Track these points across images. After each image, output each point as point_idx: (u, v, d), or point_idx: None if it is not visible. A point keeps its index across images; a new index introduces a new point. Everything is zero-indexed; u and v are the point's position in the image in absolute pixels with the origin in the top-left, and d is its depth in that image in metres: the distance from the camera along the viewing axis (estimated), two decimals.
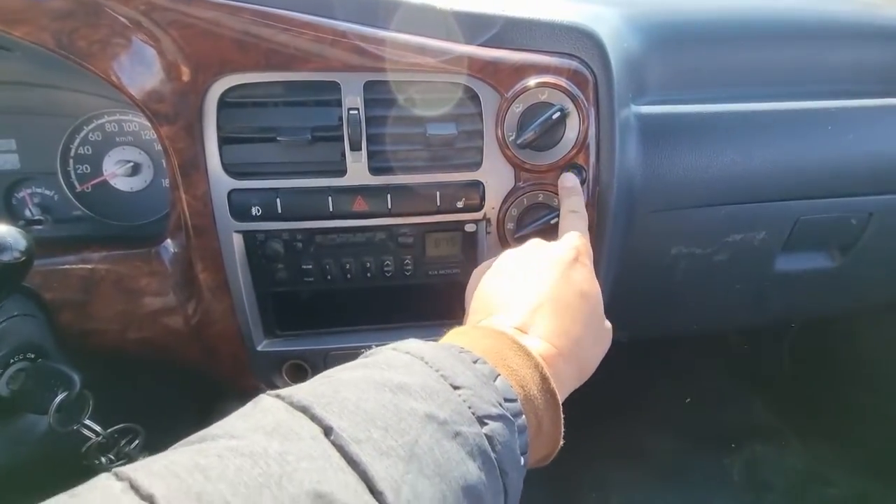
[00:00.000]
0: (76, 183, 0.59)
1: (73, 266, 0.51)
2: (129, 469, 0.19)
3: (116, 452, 0.49)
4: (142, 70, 0.45)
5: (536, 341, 0.34)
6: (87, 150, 0.58)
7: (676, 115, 0.60)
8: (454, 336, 0.33)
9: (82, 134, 0.58)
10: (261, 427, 0.22)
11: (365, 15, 0.47)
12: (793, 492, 0.98)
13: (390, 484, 0.20)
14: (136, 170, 0.59)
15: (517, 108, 0.50)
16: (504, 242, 0.55)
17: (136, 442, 0.50)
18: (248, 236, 0.52)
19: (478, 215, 0.54)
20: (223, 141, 0.49)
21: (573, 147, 0.51)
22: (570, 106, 0.50)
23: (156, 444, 0.52)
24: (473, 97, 0.50)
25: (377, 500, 0.20)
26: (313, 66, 0.47)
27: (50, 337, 0.50)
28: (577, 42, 0.50)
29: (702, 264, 0.66)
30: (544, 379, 0.31)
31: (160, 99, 0.46)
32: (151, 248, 0.52)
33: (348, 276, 0.55)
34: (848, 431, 1.03)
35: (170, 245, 0.52)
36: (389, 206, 0.51)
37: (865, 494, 0.96)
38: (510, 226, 0.54)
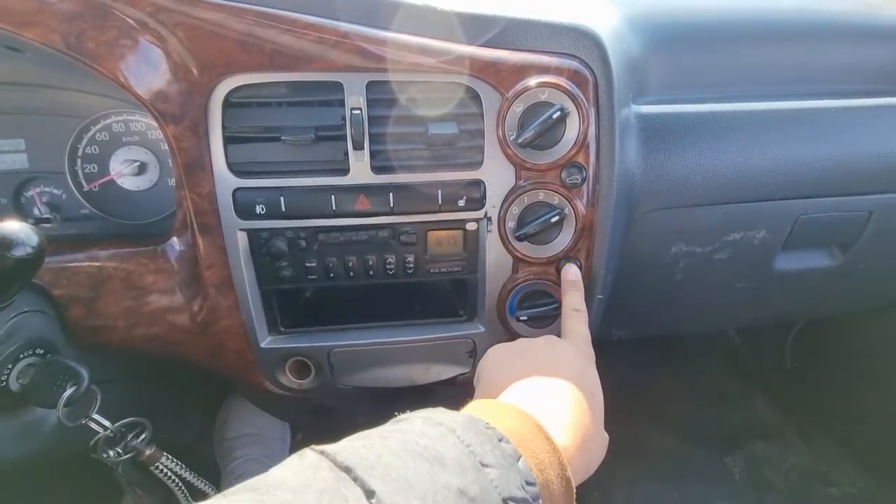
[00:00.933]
0: (84, 182, 0.60)
1: (82, 263, 0.52)
2: None
3: (124, 446, 0.50)
4: (148, 70, 0.46)
5: (556, 429, 0.35)
6: (95, 149, 0.59)
7: (676, 114, 0.61)
8: (479, 409, 0.34)
9: (90, 134, 0.58)
10: (312, 486, 0.23)
11: (367, 16, 0.48)
12: (795, 491, 0.98)
13: None
14: (142, 169, 0.60)
15: (518, 108, 0.51)
16: (505, 240, 0.55)
17: (143, 436, 0.51)
18: (253, 234, 0.53)
19: (479, 214, 0.54)
20: (228, 140, 0.50)
21: (573, 146, 0.52)
22: (570, 105, 0.50)
23: (162, 438, 0.54)
24: (475, 97, 0.51)
25: None
26: (317, 66, 0.48)
27: (59, 333, 0.51)
28: (577, 42, 0.51)
29: (702, 263, 0.67)
30: (562, 466, 0.32)
31: (166, 99, 0.47)
32: (158, 245, 0.53)
33: (351, 273, 0.56)
34: (850, 430, 1.03)
35: (176, 243, 0.53)
36: (392, 205, 0.52)
37: (867, 494, 0.96)
38: (511, 224, 0.55)
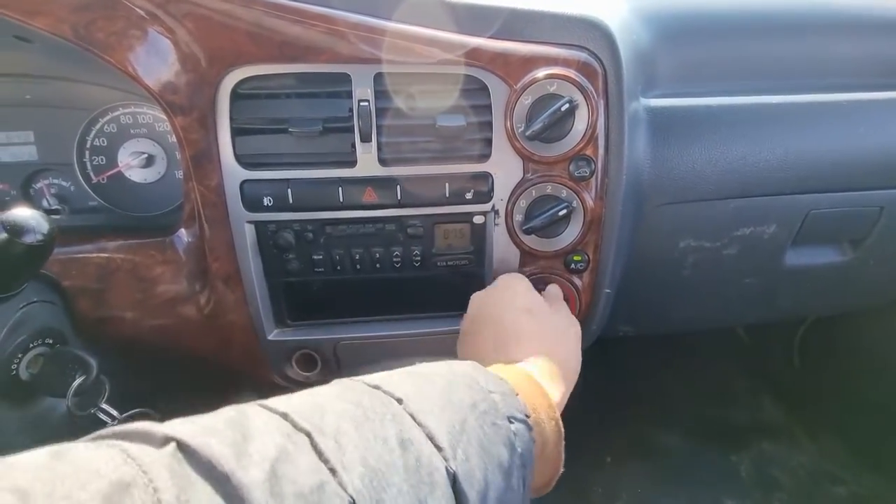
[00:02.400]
0: (92, 174, 0.60)
1: (90, 255, 0.52)
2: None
3: None
4: (157, 61, 0.46)
5: (545, 378, 0.40)
6: (103, 141, 0.59)
7: (686, 108, 0.60)
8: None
9: (98, 126, 0.59)
10: (349, 400, 0.28)
11: (375, 7, 0.48)
12: (802, 490, 0.97)
13: (449, 442, 0.26)
14: (150, 161, 0.60)
15: (526, 100, 0.50)
16: (512, 234, 0.55)
17: None
18: (260, 226, 0.53)
19: (486, 207, 0.54)
20: (236, 132, 0.50)
21: (582, 139, 0.51)
22: (578, 98, 0.50)
23: None
24: (482, 89, 0.51)
25: (440, 452, 0.26)
26: (325, 57, 0.48)
27: (67, 324, 0.51)
28: (586, 33, 0.50)
29: (711, 258, 0.66)
30: (551, 408, 0.37)
31: (175, 90, 0.47)
32: (166, 237, 0.53)
33: (358, 266, 0.56)
34: (858, 429, 1.02)
35: (184, 235, 0.53)
36: (399, 197, 0.52)
37: (875, 493, 0.95)
38: (519, 217, 0.54)
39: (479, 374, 0.34)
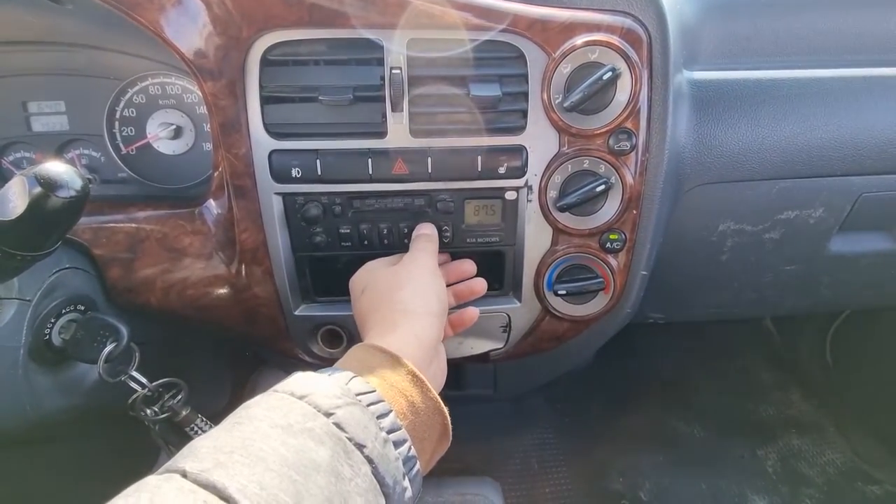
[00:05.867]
0: (121, 145, 0.60)
1: (120, 224, 0.52)
2: None
3: (161, 406, 0.50)
4: (188, 23, 0.44)
5: (395, 342, 0.40)
6: (132, 112, 0.59)
7: (732, 81, 0.57)
8: (356, 360, 0.38)
9: (127, 96, 0.58)
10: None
11: None
12: (832, 487, 0.94)
13: (238, 488, 0.25)
14: (178, 133, 0.59)
15: (565, 69, 0.48)
16: (546, 211, 0.53)
17: (180, 397, 0.51)
18: (288, 199, 0.52)
19: (519, 182, 0.52)
20: (265, 100, 0.48)
21: (623, 111, 0.49)
22: (622, 66, 0.47)
23: (195, 403, 0.54)
24: (519, 57, 0.49)
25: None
26: (356, 22, 0.46)
27: (99, 292, 0.52)
28: None
29: (751, 242, 0.63)
30: (402, 365, 0.36)
31: (204, 55, 0.46)
32: (195, 208, 0.53)
33: (385, 241, 0.55)
34: (894, 428, 0.98)
35: (212, 206, 0.53)
36: (430, 171, 0.50)
37: None
38: (553, 194, 0.52)
39: (305, 381, 0.33)
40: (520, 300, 0.58)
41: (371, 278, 0.48)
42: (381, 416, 0.32)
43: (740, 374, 1.15)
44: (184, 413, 0.51)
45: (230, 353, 0.72)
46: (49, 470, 0.63)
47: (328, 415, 0.30)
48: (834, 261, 0.67)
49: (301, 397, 0.31)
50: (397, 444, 0.32)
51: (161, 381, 0.50)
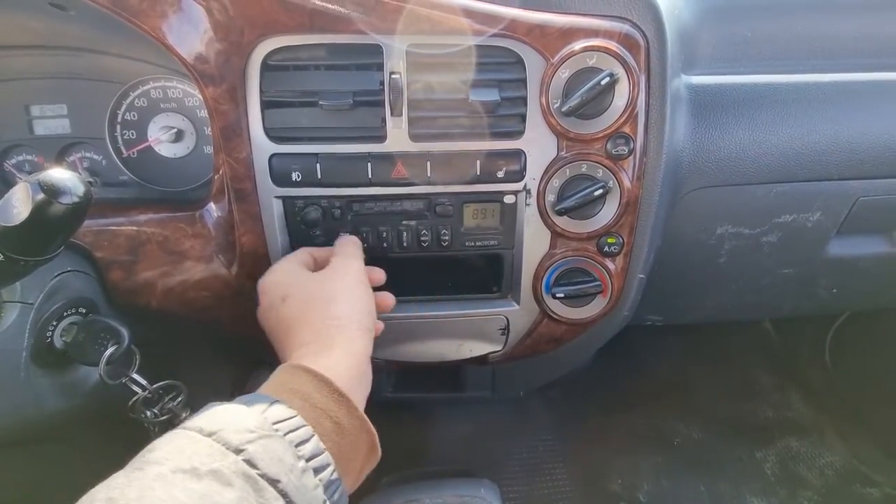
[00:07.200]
0: (123, 148, 0.60)
1: (121, 227, 0.53)
2: None
3: (161, 408, 0.51)
4: (189, 29, 0.45)
5: (317, 359, 0.38)
6: (133, 115, 0.59)
7: (730, 85, 0.57)
8: (280, 385, 0.36)
9: (129, 100, 0.59)
10: None
11: None
12: (831, 490, 0.94)
13: None
14: (179, 136, 0.60)
15: (563, 74, 0.48)
16: (544, 214, 0.53)
17: (180, 399, 0.51)
18: (288, 202, 0.53)
19: (518, 186, 0.52)
20: (265, 105, 0.49)
21: (621, 115, 0.49)
22: (619, 71, 0.48)
23: (194, 404, 0.54)
24: (518, 62, 0.49)
25: None
26: (356, 28, 0.47)
27: (100, 294, 0.52)
28: (628, 4, 0.48)
29: (748, 246, 0.64)
30: (327, 384, 0.35)
31: (206, 60, 0.46)
32: (195, 211, 0.53)
33: (384, 245, 0.55)
34: (893, 430, 0.98)
35: (213, 209, 0.53)
36: (429, 174, 0.51)
37: None
38: (551, 198, 0.53)
39: (219, 415, 0.31)
40: (518, 303, 0.59)
41: (294, 284, 0.45)
42: (300, 444, 0.31)
43: (739, 376, 1.15)
44: (183, 415, 0.51)
45: (230, 355, 0.72)
46: (49, 471, 0.64)
47: (238, 451, 0.29)
48: (832, 264, 0.67)
49: (210, 434, 0.29)
50: (318, 471, 0.31)
51: (161, 383, 0.50)
